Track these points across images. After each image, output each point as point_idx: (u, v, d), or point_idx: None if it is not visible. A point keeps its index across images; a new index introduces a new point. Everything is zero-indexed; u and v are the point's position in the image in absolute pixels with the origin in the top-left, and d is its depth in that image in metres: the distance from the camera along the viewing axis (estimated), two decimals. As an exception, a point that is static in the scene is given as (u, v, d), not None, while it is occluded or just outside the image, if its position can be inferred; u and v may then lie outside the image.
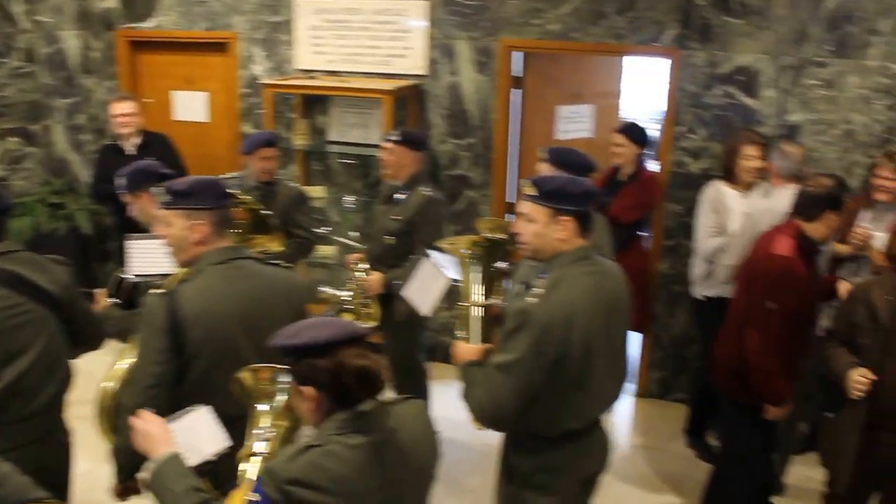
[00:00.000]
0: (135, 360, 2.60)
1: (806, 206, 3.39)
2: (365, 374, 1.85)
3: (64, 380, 2.82)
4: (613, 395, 2.75)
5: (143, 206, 3.32)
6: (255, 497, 1.84)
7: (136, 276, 3.25)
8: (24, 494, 1.80)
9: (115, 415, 2.72)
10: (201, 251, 2.56)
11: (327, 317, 1.96)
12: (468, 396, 2.56)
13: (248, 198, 3.34)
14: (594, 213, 3.46)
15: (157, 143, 5.23)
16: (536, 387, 2.48)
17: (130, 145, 5.20)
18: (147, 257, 3.43)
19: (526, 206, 2.58)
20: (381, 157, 4.20)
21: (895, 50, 4.47)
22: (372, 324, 4.24)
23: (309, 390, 1.88)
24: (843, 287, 3.76)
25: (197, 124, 5.83)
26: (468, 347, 2.72)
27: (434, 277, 3.57)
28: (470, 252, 2.98)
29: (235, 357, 2.46)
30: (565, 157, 3.61)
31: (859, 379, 3.07)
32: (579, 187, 2.57)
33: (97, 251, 6.36)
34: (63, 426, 2.89)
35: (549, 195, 2.52)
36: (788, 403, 3.44)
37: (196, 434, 2.28)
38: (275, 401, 2.21)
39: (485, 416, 2.54)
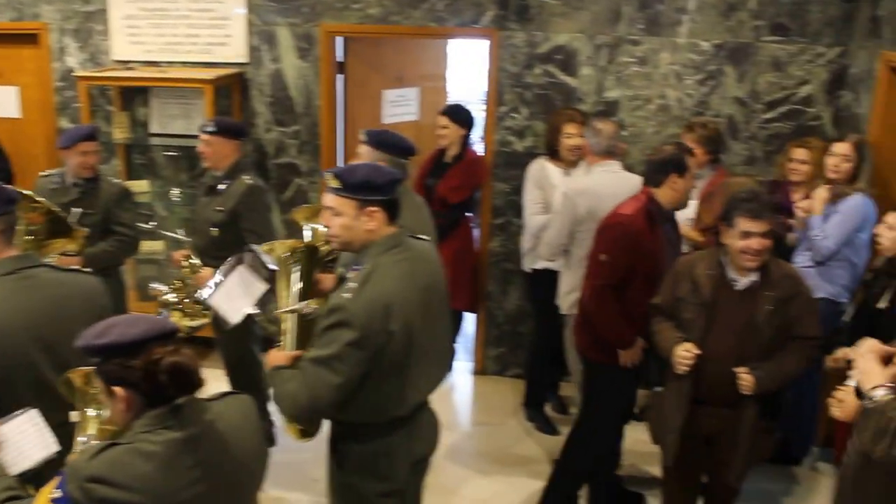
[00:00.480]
0: None
1: (652, 173, 3.60)
2: (178, 371, 1.82)
3: None
4: (438, 378, 2.79)
5: None
6: (58, 494, 1.82)
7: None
8: None
9: None
10: None
11: (137, 314, 1.93)
12: (280, 395, 2.53)
13: (41, 200, 3.28)
14: (412, 196, 3.60)
15: None
16: (356, 380, 2.49)
17: None
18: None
19: (331, 200, 2.57)
20: (200, 148, 4.19)
21: (703, 27, 4.79)
22: (205, 321, 4.24)
23: (119, 390, 1.84)
24: None
25: (8, 120, 5.66)
26: (278, 354, 2.69)
27: (248, 282, 3.53)
28: (287, 257, 2.95)
29: (31, 373, 2.41)
30: (383, 139, 3.70)
31: (684, 354, 3.19)
32: (384, 177, 2.58)
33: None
34: None
35: (355, 188, 2.52)
36: (635, 346, 3.60)
37: (24, 438, 2.24)
38: (100, 408, 2.19)
39: (300, 410, 2.52)
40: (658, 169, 3.58)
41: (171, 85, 5.19)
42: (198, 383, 1.87)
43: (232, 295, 3.54)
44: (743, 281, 3.19)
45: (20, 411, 2.26)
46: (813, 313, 3.26)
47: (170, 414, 1.85)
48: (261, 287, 3.52)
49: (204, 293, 3.66)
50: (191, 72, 5.17)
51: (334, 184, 2.55)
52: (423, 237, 2.84)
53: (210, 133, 4.12)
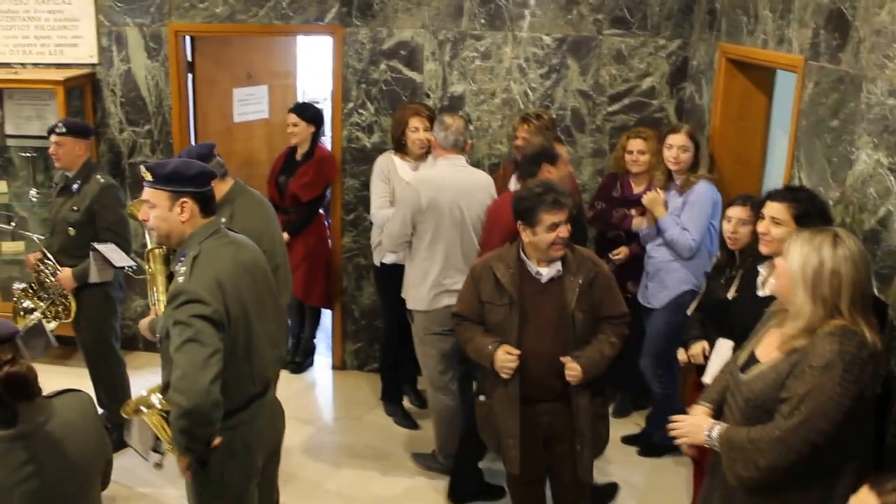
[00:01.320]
0: None
1: (525, 165, 3.98)
2: (15, 382, 1.95)
3: None
4: (278, 357, 3.08)
5: None
6: None
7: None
8: None
9: None
10: None
11: None
12: (175, 408, 2.63)
13: None
14: (249, 193, 3.84)
15: None
16: (224, 355, 2.68)
17: None
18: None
19: (147, 192, 2.86)
20: (51, 150, 4.47)
21: (544, 21, 5.07)
22: (66, 320, 4.57)
23: None
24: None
25: None
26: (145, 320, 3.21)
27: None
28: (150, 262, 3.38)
29: None
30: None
31: (506, 357, 3.32)
32: (193, 169, 2.85)
33: None
34: None
35: (165, 179, 2.80)
36: None
37: None
38: None
39: (190, 397, 2.58)
40: (531, 161, 3.95)
41: (23, 86, 5.48)
42: (34, 393, 2.01)
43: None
44: (547, 272, 3.36)
45: None
46: (614, 291, 3.48)
47: (2, 412, 1.98)
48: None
49: None
50: (43, 73, 5.44)
51: (147, 177, 2.84)
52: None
53: (60, 134, 4.42)
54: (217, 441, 2.73)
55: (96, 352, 4.67)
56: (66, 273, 4.49)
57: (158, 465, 3.04)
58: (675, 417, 2.82)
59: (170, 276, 3.17)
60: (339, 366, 5.78)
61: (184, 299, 2.70)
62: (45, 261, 4.59)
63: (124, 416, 3.03)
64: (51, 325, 4.62)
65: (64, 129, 4.46)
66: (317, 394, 5.59)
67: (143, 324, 3.46)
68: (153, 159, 5.56)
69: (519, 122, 4.79)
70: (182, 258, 2.83)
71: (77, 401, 2.23)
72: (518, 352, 3.33)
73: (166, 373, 2.77)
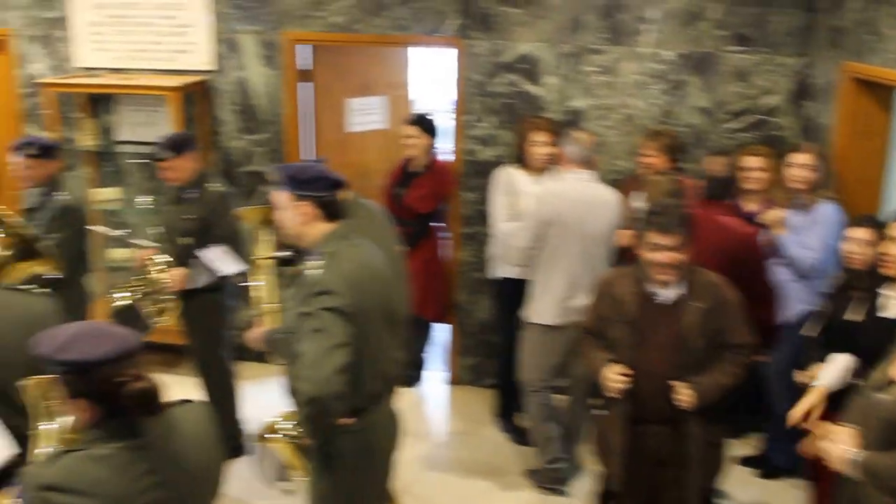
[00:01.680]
0: None
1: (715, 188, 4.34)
2: (142, 397, 2.03)
3: None
4: (401, 362, 3.23)
5: None
6: (18, 502, 2.03)
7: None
8: None
9: None
10: None
11: (101, 326, 2.13)
12: (296, 396, 2.84)
13: (14, 221, 3.49)
14: (365, 206, 3.91)
15: None
16: (352, 350, 2.81)
17: None
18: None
19: (274, 194, 3.08)
20: (162, 174, 4.63)
21: (665, 37, 5.20)
22: (169, 320, 4.69)
23: (81, 402, 2.03)
24: None
25: None
26: (256, 331, 3.31)
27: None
28: (259, 218, 3.59)
29: None
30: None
31: (613, 377, 3.40)
32: (310, 173, 3.02)
33: None
34: None
35: (286, 181, 3.00)
36: None
37: None
38: (59, 420, 2.36)
39: (314, 394, 2.73)
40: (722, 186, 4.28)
41: (136, 92, 5.62)
42: (159, 408, 2.09)
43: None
44: (665, 294, 3.42)
45: None
46: (741, 320, 3.49)
47: (126, 423, 2.05)
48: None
49: None
50: (156, 79, 5.55)
51: (273, 178, 3.07)
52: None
53: (167, 158, 4.55)
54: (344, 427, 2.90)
55: (203, 359, 4.81)
56: (179, 271, 4.61)
57: (287, 492, 3.21)
58: (816, 439, 2.92)
59: (283, 285, 3.39)
60: (453, 380, 5.92)
61: (316, 290, 2.85)
62: (157, 258, 4.72)
63: (255, 444, 3.20)
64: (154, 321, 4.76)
65: (169, 154, 4.56)
66: (430, 408, 5.73)
67: (253, 334, 3.57)
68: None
69: (646, 138, 4.94)
70: (314, 256, 2.99)
71: (195, 412, 2.32)
72: (627, 372, 3.42)
73: (294, 368, 2.93)
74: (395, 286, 3.21)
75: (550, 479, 4.74)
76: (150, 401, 2.05)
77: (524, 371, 4.66)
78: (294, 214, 3.02)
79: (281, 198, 3.04)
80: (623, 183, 5.12)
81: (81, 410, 2.05)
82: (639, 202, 4.70)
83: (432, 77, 7.55)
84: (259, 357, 5.62)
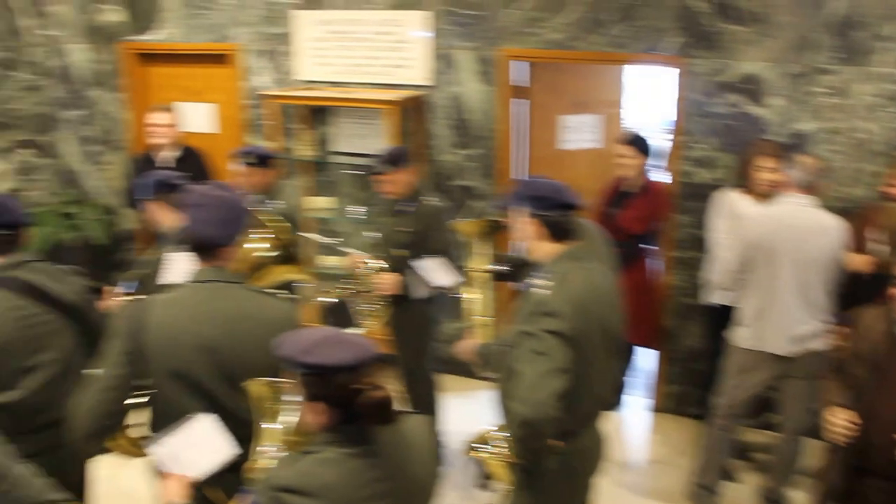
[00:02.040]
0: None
1: None
2: (379, 408, 2.13)
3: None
4: (614, 387, 3.32)
5: (154, 213, 3.96)
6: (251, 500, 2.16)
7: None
8: (41, 496, 2.13)
9: None
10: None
11: (343, 332, 2.24)
12: (508, 414, 2.96)
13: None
14: (589, 225, 4.08)
15: (190, 157, 5.85)
16: (569, 374, 2.88)
17: (162, 156, 5.83)
18: (183, 268, 4.30)
19: (510, 209, 3.21)
20: (379, 186, 4.84)
21: (902, 56, 5.06)
22: (376, 325, 4.88)
23: (319, 405, 2.13)
24: None
25: (205, 135, 6.55)
26: (467, 343, 3.43)
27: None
28: (477, 231, 3.79)
29: (192, 385, 2.70)
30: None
31: (841, 422, 3.32)
32: (536, 190, 3.11)
33: (109, 261, 7.36)
34: None
35: (520, 196, 3.12)
36: None
37: (198, 445, 2.56)
38: (280, 420, 2.46)
39: (528, 407, 2.80)
40: None
41: (354, 105, 5.94)
42: (392, 418, 2.18)
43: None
44: None
45: (194, 417, 2.61)
46: None
47: (359, 430, 2.16)
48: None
49: None
50: (374, 93, 5.82)
51: (510, 192, 3.18)
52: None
53: (386, 172, 4.75)
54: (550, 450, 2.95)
55: (409, 369, 4.92)
56: (392, 276, 4.76)
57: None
58: None
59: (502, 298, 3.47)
60: (656, 408, 5.92)
61: (540, 311, 2.91)
62: (370, 262, 4.89)
63: (462, 453, 3.30)
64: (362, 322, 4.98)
65: (388, 167, 4.74)
66: (631, 434, 5.74)
67: (464, 346, 3.66)
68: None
69: (890, 165, 4.81)
70: (540, 274, 3.05)
71: (419, 423, 2.37)
72: (855, 420, 3.31)
73: (508, 385, 2.98)
74: (615, 310, 3.26)
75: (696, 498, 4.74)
76: (384, 411, 2.14)
77: (718, 394, 4.65)
78: (524, 230, 3.13)
79: (513, 212, 3.16)
80: (859, 211, 4.98)
81: (317, 413, 2.15)
82: (876, 233, 4.61)
83: (646, 96, 7.56)
84: (463, 371, 5.91)
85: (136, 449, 3.07)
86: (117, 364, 2.69)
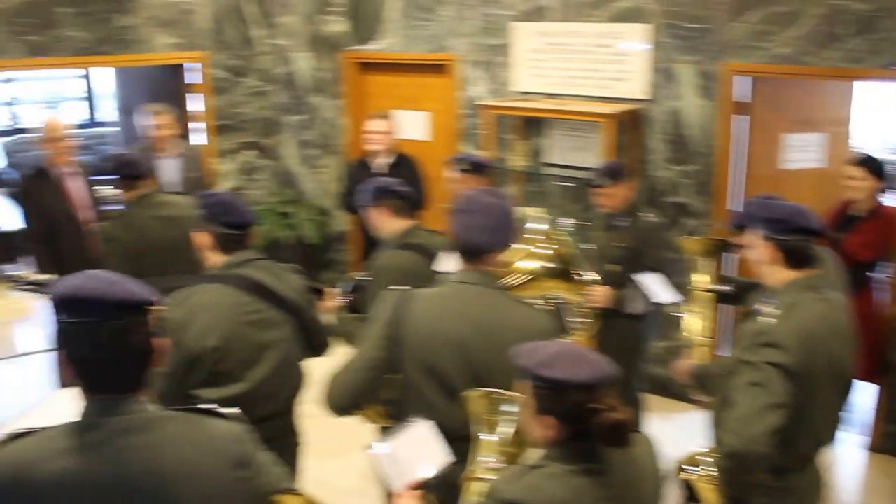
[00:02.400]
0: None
1: None
2: (615, 431, 2.08)
3: (298, 384, 3.45)
4: (829, 436, 3.09)
5: (377, 219, 4.11)
6: None
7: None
8: (280, 484, 2.17)
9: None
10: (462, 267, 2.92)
11: (581, 348, 2.21)
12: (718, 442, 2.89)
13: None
14: (825, 252, 3.69)
15: (403, 164, 6.00)
16: (788, 410, 2.79)
17: (378, 162, 6.03)
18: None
19: (742, 230, 3.13)
20: (598, 200, 4.84)
21: None
22: (583, 337, 4.75)
23: (549, 419, 2.10)
24: None
25: (418, 143, 6.71)
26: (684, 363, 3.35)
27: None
28: (702, 249, 3.73)
29: (441, 379, 2.77)
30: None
31: None
32: (770, 212, 3.00)
33: (321, 259, 7.71)
34: (295, 427, 3.50)
35: (756, 217, 3.03)
36: None
37: (416, 451, 2.58)
38: (500, 432, 2.47)
39: (740, 440, 2.73)
40: None
41: (569, 117, 5.90)
42: (628, 442, 2.12)
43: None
44: None
45: (414, 421, 2.65)
46: None
47: (589, 447, 2.12)
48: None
49: None
50: (589, 105, 5.78)
51: (744, 212, 3.11)
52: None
53: (607, 185, 4.74)
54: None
55: (616, 390, 4.97)
56: (604, 289, 4.70)
57: None
58: None
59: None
60: (872, 447, 5.60)
61: (763, 341, 2.79)
62: (584, 275, 4.90)
63: (673, 477, 3.19)
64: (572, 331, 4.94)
65: (610, 180, 4.74)
66: (843, 473, 5.45)
67: (680, 366, 3.57)
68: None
69: None
70: (769, 301, 2.92)
71: (646, 446, 2.31)
72: None
73: (722, 414, 2.88)
74: (847, 346, 3.08)
75: None
76: (619, 434, 2.08)
77: None
78: (757, 253, 3.02)
79: (749, 234, 3.06)
80: None
81: (546, 427, 2.11)
82: None
83: (876, 113, 7.15)
84: (669, 391, 5.82)
85: (383, 419, 3.21)
86: (376, 347, 2.82)
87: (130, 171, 4.73)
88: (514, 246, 3.02)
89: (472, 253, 2.83)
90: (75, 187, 5.57)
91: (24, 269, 4.02)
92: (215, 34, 7.09)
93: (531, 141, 6.28)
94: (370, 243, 5.65)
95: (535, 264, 3.39)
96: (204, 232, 3.29)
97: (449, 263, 3.41)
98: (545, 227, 3.58)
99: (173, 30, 6.89)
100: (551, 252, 3.45)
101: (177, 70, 7.18)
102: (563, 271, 3.46)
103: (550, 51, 6.04)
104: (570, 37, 5.94)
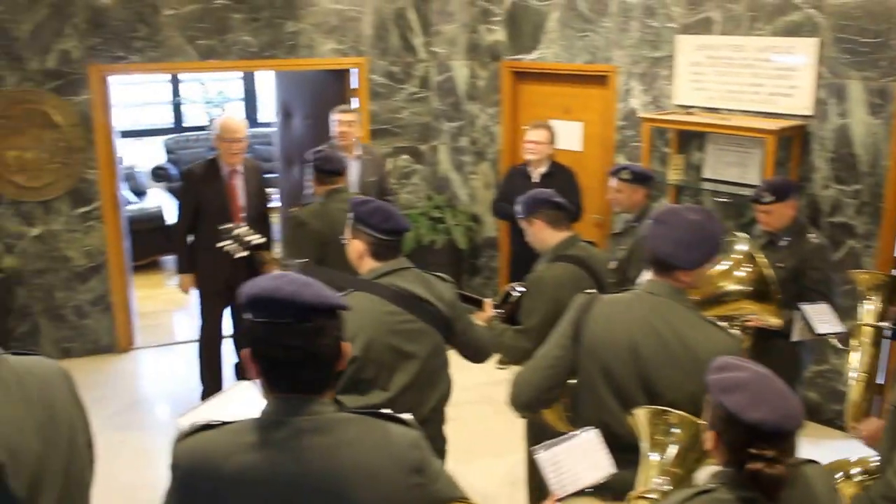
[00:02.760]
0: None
1: None
2: (767, 484, 1.99)
3: (445, 392, 3.49)
4: None
5: (534, 231, 4.15)
6: None
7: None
8: (453, 492, 2.19)
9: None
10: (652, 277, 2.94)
11: (774, 380, 2.08)
12: None
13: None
14: None
15: (560, 175, 6.00)
16: None
17: (536, 172, 6.05)
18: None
19: None
20: (760, 218, 4.79)
21: None
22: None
23: (716, 440, 2.07)
24: None
25: (571, 153, 6.73)
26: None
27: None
28: (873, 283, 3.61)
29: (620, 382, 2.80)
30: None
31: None
32: None
33: (469, 265, 7.85)
34: (442, 434, 3.53)
35: None
36: None
37: (580, 459, 2.59)
38: (667, 453, 2.46)
39: None
40: None
41: (730, 132, 5.82)
42: (778, 499, 2.03)
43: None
44: None
45: (582, 430, 2.65)
46: None
47: (750, 476, 2.02)
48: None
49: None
50: (751, 121, 5.69)
51: None
52: None
53: (770, 203, 4.69)
54: None
55: None
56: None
57: None
58: None
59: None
60: None
61: None
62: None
63: None
64: None
65: (773, 198, 4.69)
66: None
67: (868, 427, 3.43)
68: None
69: None
70: None
71: (819, 474, 2.23)
72: None
73: (891, 454, 2.73)
74: None
75: None
76: (769, 490, 1.99)
77: None
78: None
79: None
80: None
81: (713, 445, 2.09)
82: None
83: None
84: (820, 418, 5.67)
85: (562, 422, 3.21)
86: (559, 346, 2.89)
87: (330, 167, 4.98)
88: (716, 265, 3.01)
89: (663, 265, 2.83)
90: (239, 186, 5.84)
91: (244, 227, 4.27)
92: (377, 40, 7.33)
93: (687, 154, 6.22)
94: (519, 251, 5.77)
95: (733, 285, 3.38)
96: (357, 238, 3.32)
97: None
98: (746, 247, 3.55)
99: (337, 36, 7.16)
100: (751, 272, 3.43)
101: (337, 74, 7.45)
102: (762, 293, 3.42)
103: (712, 64, 5.98)
104: (734, 50, 5.87)
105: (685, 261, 2.79)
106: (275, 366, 1.95)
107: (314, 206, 5.06)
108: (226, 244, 4.28)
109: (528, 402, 2.98)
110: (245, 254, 4.28)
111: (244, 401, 2.51)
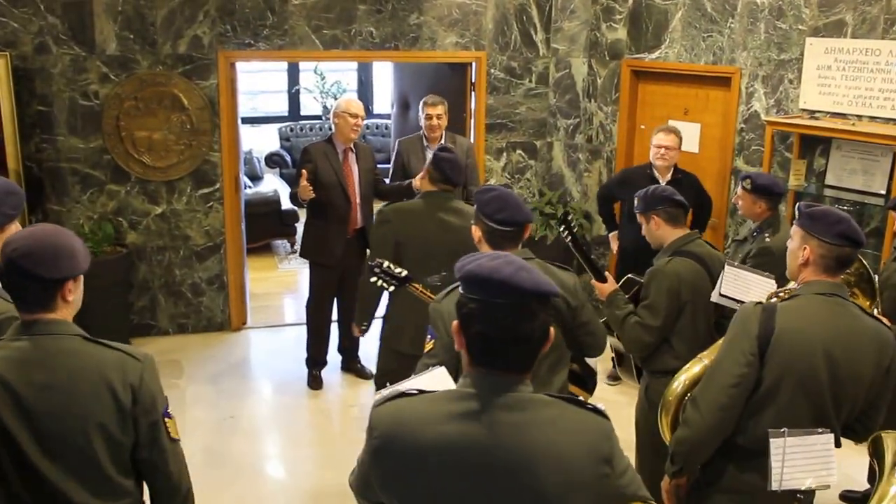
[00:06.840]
0: (715, 360, 3.08)
1: None
2: None
3: (561, 385, 3.51)
4: None
5: (652, 227, 4.21)
6: None
7: (722, 296, 4.02)
8: (638, 490, 2.18)
9: (678, 410, 3.26)
10: (805, 276, 3.03)
11: None
12: None
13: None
14: None
15: (686, 182, 5.94)
16: None
17: (664, 178, 5.97)
18: (739, 285, 4.30)
19: None
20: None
21: None
22: None
23: None
24: None
25: (687, 154, 6.60)
26: None
27: None
28: None
29: (815, 388, 2.89)
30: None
31: None
32: None
33: (578, 262, 7.85)
34: None
35: None
36: None
37: (811, 458, 2.68)
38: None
39: None
40: None
41: (860, 139, 5.67)
42: None
43: None
44: None
45: (819, 430, 2.78)
46: None
47: None
48: None
49: None
50: (881, 128, 5.56)
51: None
52: None
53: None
54: None
55: None
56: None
57: None
58: None
59: None
60: None
61: None
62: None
63: None
64: None
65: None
66: None
67: None
68: None
69: None
70: None
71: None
72: None
73: None
74: None
75: None
76: None
77: None
78: None
79: None
80: None
81: None
82: None
83: None
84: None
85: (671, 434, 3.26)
86: (743, 363, 2.93)
87: (449, 172, 4.73)
88: None
89: (843, 263, 2.98)
90: (353, 164, 6.18)
91: (387, 263, 4.33)
92: (498, 35, 7.43)
93: (810, 160, 6.13)
94: (629, 249, 5.83)
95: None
96: (476, 224, 3.39)
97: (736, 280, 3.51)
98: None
99: (459, 29, 7.29)
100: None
101: (456, 67, 7.57)
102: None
103: (842, 69, 5.87)
104: (866, 54, 5.76)
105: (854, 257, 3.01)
106: (483, 342, 1.99)
107: (405, 203, 5.09)
108: (376, 279, 4.36)
109: (713, 424, 2.98)
110: (393, 287, 4.34)
111: (440, 384, 2.56)
